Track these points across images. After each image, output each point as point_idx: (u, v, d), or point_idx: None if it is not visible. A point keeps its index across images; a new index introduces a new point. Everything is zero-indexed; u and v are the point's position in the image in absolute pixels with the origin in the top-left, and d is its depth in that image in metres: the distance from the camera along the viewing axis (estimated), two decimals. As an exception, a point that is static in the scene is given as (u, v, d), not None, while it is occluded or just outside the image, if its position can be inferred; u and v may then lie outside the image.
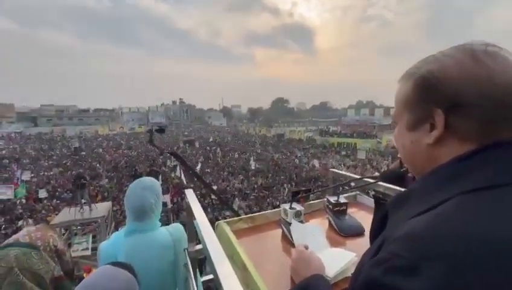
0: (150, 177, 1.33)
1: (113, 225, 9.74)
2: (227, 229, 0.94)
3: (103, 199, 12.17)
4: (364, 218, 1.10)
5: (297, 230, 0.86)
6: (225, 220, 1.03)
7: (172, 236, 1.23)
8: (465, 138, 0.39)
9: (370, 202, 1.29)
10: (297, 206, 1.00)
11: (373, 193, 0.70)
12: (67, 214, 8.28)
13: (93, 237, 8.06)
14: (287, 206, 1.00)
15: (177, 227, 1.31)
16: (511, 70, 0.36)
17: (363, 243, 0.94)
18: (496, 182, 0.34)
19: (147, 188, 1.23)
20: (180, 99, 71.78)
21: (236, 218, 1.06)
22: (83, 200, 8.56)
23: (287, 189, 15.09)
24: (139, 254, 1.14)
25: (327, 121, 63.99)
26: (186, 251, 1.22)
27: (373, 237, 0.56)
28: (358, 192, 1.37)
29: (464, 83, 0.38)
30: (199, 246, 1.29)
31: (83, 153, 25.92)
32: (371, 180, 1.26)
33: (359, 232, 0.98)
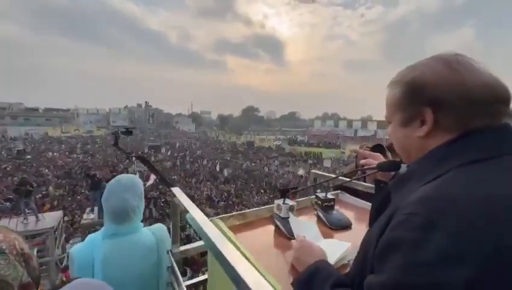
0: (131, 175, 1.24)
1: (63, 237, 8.69)
2: (222, 224, 0.92)
3: (52, 209, 10.83)
4: (348, 214, 1.16)
5: (296, 223, 0.88)
6: (217, 217, 1.00)
7: (155, 236, 1.15)
8: (448, 130, 0.48)
9: (352, 199, 1.38)
10: (290, 202, 1.02)
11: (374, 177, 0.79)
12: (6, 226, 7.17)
13: (38, 251, 7.09)
14: (280, 201, 1.01)
15: (159, 227, 1.23)
16: (478, 75, 0.46)
17: (351, 235, 0.99)
18: (479, 157, 0.44)
19: (128, 188, 1.14)
20: (146, 102, 68.25)
21: (227, 215, 1.04)
22: (27, 210, 7.51)
23: (256, 197, 15.12)
24: (119, 257, 1.04)
25: (295, 130, 66.40)
26: (170, 252, 1.15)
27: (374, 217, 0.61)
28: (340, 191, 1.45)
29: (442, 87, 0.47)
30: (184, 247, 1.23)
31: (28, 156, 22.89)
32: (347, 178, 1.35)
33: (347, 225, 1.04)
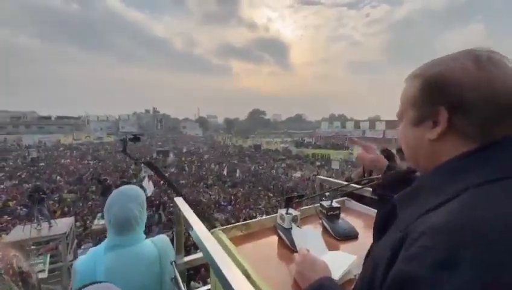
0: (133, 186, 1.24)
1: (75, 242, 8.85)
2: (223, 236, 0.91)
3: (64, 215, 11.07)
4: (354, 222, 1.13)
5: (298, 235, 0.85)
6: (220, 228, 0.99)
7: (157, 247, 1.15)
8: (466, 135, 0.42)
9: (358, 207, 1.34)
10: (293, 212, 0.99)
11: (376, 190, 0.71)
12: (21, 232, 7.37)
13: (51, 256, 7.23)
14: (283, 211, 0.99)
15: (162, 238, 1.23)
16: (510, 77, 0.40)
17: (358, 245, 0.96)
18: (503, 175, 0.37)
19: (131, 199, 1.14)
20: (153, 108, 69.49)
21: (230, 225, 1.03)
22: (40, 216, 7.70)
23: (264, 201, 15.01)
24: (121, 269, 1.04)
25: (302, 132, 65.97)
26: (174, 263, 1.14)
27: (378, 231, 0.57)
28: (346, 198, 1.41)
29: (467, 86, 0.41)
30: (188, 258, 1.22)
31: (42, 164, 23.55)
32: (355, 185, 1.31)
33: (353, 235, 1.01)
